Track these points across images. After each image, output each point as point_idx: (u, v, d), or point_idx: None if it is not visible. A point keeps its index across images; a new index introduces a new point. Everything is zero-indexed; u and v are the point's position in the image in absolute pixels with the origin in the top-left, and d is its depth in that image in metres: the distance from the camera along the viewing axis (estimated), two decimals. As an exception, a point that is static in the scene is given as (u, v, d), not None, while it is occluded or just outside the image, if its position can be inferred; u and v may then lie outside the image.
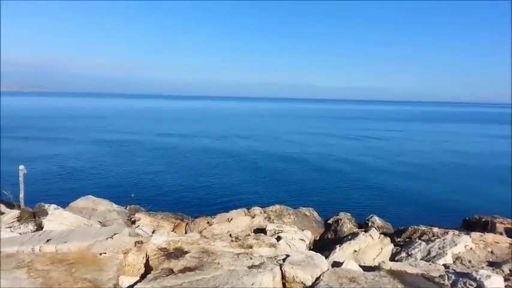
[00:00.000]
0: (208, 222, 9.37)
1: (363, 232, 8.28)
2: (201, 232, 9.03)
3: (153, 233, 9.50)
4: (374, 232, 8.34)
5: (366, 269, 7.04)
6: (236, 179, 21.71)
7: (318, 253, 6.90)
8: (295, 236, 8.31)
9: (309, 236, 8.68)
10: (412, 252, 8.06)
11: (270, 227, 8.59)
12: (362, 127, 62.79)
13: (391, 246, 8.44)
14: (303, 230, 8.86)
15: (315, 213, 10.81)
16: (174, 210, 12.47)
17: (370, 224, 10.66)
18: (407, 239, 9.44)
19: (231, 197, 17.39)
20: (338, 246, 7.78)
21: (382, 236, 8.54)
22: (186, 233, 9.34)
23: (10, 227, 8.30)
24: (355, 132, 51.98)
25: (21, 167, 12.17)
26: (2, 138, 37.66)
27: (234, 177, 22.36)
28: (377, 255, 8.10)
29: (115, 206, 10.36)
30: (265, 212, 10.08)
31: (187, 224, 9.53)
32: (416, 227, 9.69)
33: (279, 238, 7.82)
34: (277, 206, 10.34)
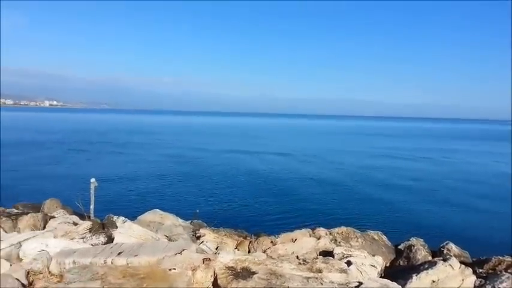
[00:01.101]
0: (272, 242, 9.14)
1: (442, 261, 7.60)
2: (265, 251, 8.81)
3: (216, 249, 9.46)
4: (454, 262, 7.64)
5: (447, 302, 6.43)
6: (298, 197, 21.27)
7: (393, 282, 6.41)
8: (365, 261, 7.82)
9: (380, 262, 8.14)
10: (500, 286, 7.26)
11: (337, 251, 8.18)
12: (429, 147, 59.57)
13: (473, 277, 7.68)
14: (373, 256, 8.33)
15: (384, 237, 10.17)
16: (235, 227, 12.39)
17: (445, 252, 9.83)
18: (490, 271, 8.56)
19: (293, 215, 16.99)
20: (414, 275, 7.19)
21: (462, 266, 7.80)
22: (249, 251, 9.18)
23: (83, 238, 8.64)
24: (421, 153, 49.34)
25: (92, 180, 12.82)
26: (73, 151, 40.43)
27: (295, 195, 21.94)
28: (458, 287, 7.40)
29: (180, 220, 10.49)
30: (330, 234, 9.66)
31: (250, 242, 9.37)
32: (501, 257, 8.78)
33: (348, 263, 7.39)
34: (344, 228, 9.88)
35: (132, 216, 13.15)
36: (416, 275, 7.22)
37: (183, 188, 22.87)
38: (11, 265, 6.54)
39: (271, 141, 62.34)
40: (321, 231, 9.67)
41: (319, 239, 9.26)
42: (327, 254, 8.45)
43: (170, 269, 6.22)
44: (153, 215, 10.36)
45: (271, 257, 7.19)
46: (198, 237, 9.67)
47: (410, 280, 7.12)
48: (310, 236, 9.42)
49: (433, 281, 7.24)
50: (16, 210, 10.45)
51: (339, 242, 9.31)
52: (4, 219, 8.98)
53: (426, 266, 7.64)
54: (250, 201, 19.83)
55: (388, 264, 9.10)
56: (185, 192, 21.69)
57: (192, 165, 32.87)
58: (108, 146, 47.10)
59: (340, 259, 7.86)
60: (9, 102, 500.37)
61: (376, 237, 9.95)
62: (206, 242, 9.26)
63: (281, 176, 28.57)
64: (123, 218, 12.36)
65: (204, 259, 6.59)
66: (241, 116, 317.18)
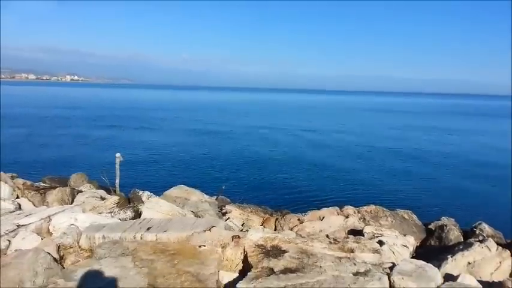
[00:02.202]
0: (299, 220, 9.00)
1: (478, 242, 7.31)
2: (292, 229, 8.69)
3: (242, 225, 9.39)
4: (491, 243, 7.33)
5: (485, 285, 6.18)
6: (324, 174, 20.86)
7: (429, 263, 6.18)
8: (397, 241, 7.60)
9: (411, 242, 7.90)
10: (539, 270, 6.96)
11: (367, 230, 7.97)
12: (457, 124, 57.87)
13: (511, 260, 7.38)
14: (404, 235, 8.10)
15: (414, 216, 9.89)
16: (260, 204, 12.32)
17: (477, 232, 9.51)
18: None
19: (318, 193, 16.67)
20: (449, 256, 6.94)
21: (499, 247, 7.49)
22: (275, 228, 9.08)
23: (111, 212, 8.68)
24: (448, 130, 47.91)
25: (117, 154, 12.86)
26: (98, 127, 40.94)
27: (321, 172, 21.54)
28: (495, 270, 7.12)
29: (206, 196, 10.44)
30: (359, 212, 9.44)
31: (276, 219, 9.26)
32: (539, 240, 8.43)
33: (380, 243, 7.18)
34: (373, 207, 9.63)
35: (157, 190, 13.21)
36: (451, 256, 6.97)
37: (207, 164, 22.81)
38: (42, 239, 6.59)
39: (296, 118, 61.51)
40: (349, 209, 9.46)
41: (347, 217, 9.06)
42: (356, 233, 8.25)
43: (200, 246, 6.15)
44: (179, 191, 10.33)
45: (300, 235, 7.04)
46: (224, 214, 9.61)
47: (445, 261, 6.87)
48: (338, 215, 9.23)
49: (469, 263, 6.98)
50: (43, 184, 10.58)
51: (368, 221, 9.09)
52: (33, 193, 9.08)
53: (461, 247, 7.36)
54: (275, 178, 19.60)
55: (418, 244, 8.86)
56: (209, 168, 21.61)
57: (215, 141, 32.78)
58: (132, 121, 47.46)
59: (371, 238, 7.65)
60: (31, 77, 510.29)
61: (406, 216, 9.69)
62: (232, 218, 9.19)
63: (306, 152, 28.18)
64: (148, 192, 12.42)
65: (233, 236, 6.49)
66: (264, 92, 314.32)
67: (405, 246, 7.61)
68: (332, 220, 8.88)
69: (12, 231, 6.48)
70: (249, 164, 23.19)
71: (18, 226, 6.74)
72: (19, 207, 8.32)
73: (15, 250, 5.90)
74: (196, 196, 10.07)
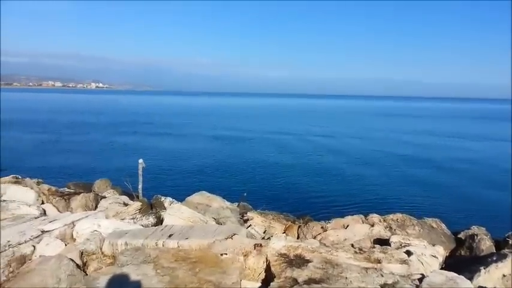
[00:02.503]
0: (322, 227, 8.80)
1: (513, 254, 6.94)
2: (315, 237, 8.49)
3: (264, 233, 9.25)
4: (527, 255, 6.95)
5: (521, 300, 5.85)
6: (346, 181, 20.39)
7: (460, 275, 5.89)
8: (425, 251, 7.30)
9: (441, 252, 7.58)
10: None
11: (394, 239, 7.69)
12: (483, 129, 56.16)
13: (549, 274, 6.97)
14: (433, 245, 7.78)
15: (443, 225, 9.51)
16: (282, 210, 12.16)
17: (511, 242, 9.07)
18: None
19: (341, 200, 16.29)
20: (482, 268, 6.60)
21: (536, 260, 7.09)
22: (298, 236, 8.90)
23: (133, 218, 8.70)
24: (473, 135, 46.52)
25: (140, 160, 12.97)
26: (122, 133, 41.65)
27: (342, 178, 21.07)
28: (531, 284, 6.74)
29: (227, 203, 10.36)
30: (385, 221, 9.16)
31: (299, 227, 9.08)
32: None
33: (408, 253, 6.91)
34: (399, 215, 9.33)
35: (179, 197, 13.23)
36: (484, 268, 6.63)
37: (229, 170, 22.75)
38: (65, 245, 6.63)
39: (313, 123, 61.05)
40: (374, 217, 9.19)
41: (372, 226, 8.80)
42: (382, 242, 7.98)
43: (222, 254, 6.05)
44: (201, 197, 10.28)
45: (324, 244, 6.86)
46: (246, 221, 9.49)
47: (477, 273, 6.54)
48: (362, 223, 8.97)
49: (504, 275, 6.63)
50: (68, 190, 10.73)
51: (394, 230, 8.80)
52: (57, 198, 9.21)
53: (494, 258, 7.00)
54: (296, 184, 19.34)
55: (448, 255, 8.51)
56: (230, 174, 21.55)
57: (236, 146, 32.77)
58: (153, 127, 48.15)
59: (398, 248, 7.37)
60: (58, 84, 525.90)
61: (434, 225, 9.34)
62: (254, 225, 9.07)
63: (327, 158, 27.77)
64: (171, 198, 12.45)
65: (255, 245, 6.36)
66: (284, 97, 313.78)
67: (434, 256, 7.30)
68: (357, 228, 8.64)
69: (36, 237, 6.54)
70: (270, 170, 23.01)
71: (43, 232, 6.79)
72: (44, 212, 8.42)
73: (39, 256, 5.94)
74: (217, 203, 10.00)
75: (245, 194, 11.83)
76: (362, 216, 9.28)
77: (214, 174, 21.41)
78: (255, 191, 17.27)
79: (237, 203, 11.79)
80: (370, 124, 61.63)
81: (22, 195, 9.05)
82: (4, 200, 8.31)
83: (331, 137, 41.26)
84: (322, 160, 27.16)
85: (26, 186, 9.68)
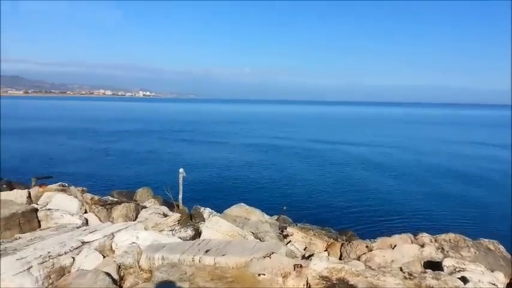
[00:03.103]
0: (367, 247, 8.27)
1: None
2: (359, 257, 7.99)
3: (304, 250, 8.86)
4: None
5: None
6: (394, 196, 19.06)
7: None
8: (483, 278, 6.61)
9: (501, 279, 6.84)
10: None
11: (447, 262, 7.05)
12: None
13: None
14: (492, 271, 7.06)
15: (501, 247, 8.66)
16: (323, 224, 11.69)
17: None
18: None
19: (387, 216, 15.28)
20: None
21: None
22: (341, 255, 8.44)
23: (172, 230, 8.62)
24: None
25: (181, 170, 13.00)
26: (166, 140, 42.61)
27: (391, 193, 19.71)
28: None
29: (266, 216, 10.08)
30: (436, 241, 8.47)
31: (342, 245, 8.60)
32: None
33: (464, 280, 6.29)
34: (452, 235, 8.60)
35: (218, 207, 13.12)
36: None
37: (269, 180, 22.32)
38: (104, 257, 6.61)
39: (363, 132, 59.15)
40: (424, 237, 8.53)
41: (422, 246, 8.16)
42: (433, 265, 7.36)
43: (259, 274, 5.76)
44: (239, 209, 10.07)
45: (370, 267, 6.37)
46: (285, 236, 9.15)
47: (546, 308, 5.81)
48: (411, 243, 8.35)
49: None
50: (111, 198, 10.88)
51: (447, 252, 8.11)
52: (99, 208, 9.33)
53: None
54: (338, 197, 18.55)
55: (508, 282, 7.69)
56: (270, 185, 21.10)
57: (278, 156, 32.29)
58: (196, 135, 48.88)
59: (451, 273, 6.75)
60: (108, 92, 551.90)
61: (491, 247, 8.52)
62: (294, 242, 8.71)
63: (374, 170, 26.40)
64: (210, 209, 12.37)
65: (295, 265, 6.02)
66: (331, 105, 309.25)
67: (493, 284, 6.60)
68: (405, 249, 8.04)
69: (76, 248, 6.57)
70: (312, 181, 22.36)
71: (83, 243, 6.83)
72: (86, 222, 8.54)
73: (78, 269, 5.93)
74: (256, 216, 9.73)
75: (285, 208, 11.46)
76: (411, 235, 8.64)
77: (254, 185, 21.08)
78: (295, 203, 16.77)
79: (276, 216, 11.47)
80: (422, 134, 58.63)
81: (66, 204, 9.25)
82: (49, 209, 8.51)
83: (378, 147, 39.73)
84: (367, 172, 26.05)
85: (71, 195, 9.90)
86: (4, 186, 13.20)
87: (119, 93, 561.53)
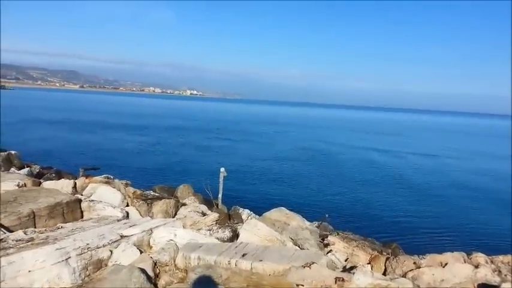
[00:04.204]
0: (415, 263, 7.69)
1: None
2: (405, 274, 7.44)
3: (346, 261, 8.41)
4: None
5: None
6: (445, 210, 17.64)
7: None
8: (548, 309, 5.92)
9: None
10: None
11: (506, 286, 6.39)
12: None
13: None
14: (559, 302, 6.30)
15: None
16: (366, 233, 11.14)
17: None
18: None
19: (437, 231, 14.22)
20: None
21: None
22: (385, 270, 7.91)
23: (209, 230, 8.50)
24: None
25: (222, 169, 12.95)
26: (210, 139, 43.12)
27: (442, 206, 18.23)
28: None
29: (307, 223, 9.72)
30: (492, 263, 7.73)
31: (387, 259, 8.07)
32: None
33: (525, 310, 5.64)
34: (510, 257, 7.83)
35: (257, 209, 12.92)
36: None
37: (311, 185, 21.70)
38: (141, 252, 6.57)
39: (411, 140, 56.67)
40: (479, 257, 7.81)
41: (476, 267, 7.46)
42: (489, 288, 6.70)
43: (298, 285, 5.45)
44: (279, 214, 9.78)
45: (418, 286, 5.88)
46: (326, 245, 8.75)
47: None
48: (464, 262, 7.67)
49: None
50: (153, 193, 10.98)
51: (505, 275, 7.36)
52: (140, 202, 9.40)
53: None
54: (384, 206, 17.63)
55: None
56: (313, 189, 20.48)
57: (321, 160, 31.54)
58: (241, 135, 49.05)
59: (511, 301, 6.09)
60: (157, 90, 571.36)
61: (557, 275, 7.65)
62: (335, 252, 8.29)
63: (425, 181, 24.89)
64: (248, 211, 12.22)
65: (336, 278, 5.65)
66: (370, 110, 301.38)
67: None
68: (457, 269, 7.39)
69: (115, 242, 6.57)
70: (357, 188, 21.49)
71: (122, 237, 6.83)
72: (127, 215, 8.61)
73: (113, 263, 5.91)
74: (296, 221, 9.40)
75: (327, 216, 11.03)
76: (464, 254, 7.94)
77: (295, 189, 20.59)
78: (337, 210, 16.17)
79: (316, 223, 11.07)
80: (480, 145, 54.95)
81: (109, 197, 9.41)
82: (92, 200, 8.66)
83: (429, 156, 37.84)
84: (416, 181, 24.72)
85: (114, 188, 10.07)
86: (53, 175, 13.77)
87: (168, 91, 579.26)
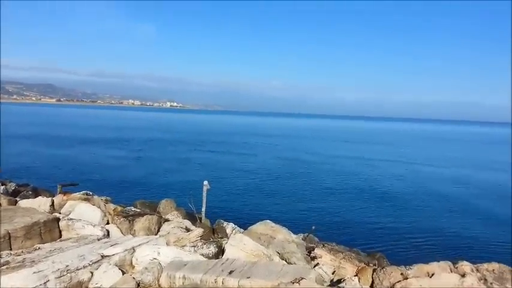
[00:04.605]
0: (402, 274, 7.67)
1: None
2: (393, 285, 7.41)
3: (333, 274, 8.32)
4: None
5: None
6: (431, 219, 17.64)
7: None
8: (535, 318, 5.95)
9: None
10: None
11: (493, 297, 6.41)
12: None
13: None
14: (545, 310, 6.36)
15: (551, 282, 7.90)
16: (352, 244, 11.10)
17: None
18: None
19: (422, 240, 14.16)
20: None
21: None
22: (373, 282, 7.86)
23: (194, 246, 8.29)
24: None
25: (205, 182, 12.72)
26: (191, 151, 42.68)
27: (428, 216, 18.42)
28: None
29: (293, 236, 9.60)
30: (478, 271, 7.78)
31: (374, 270, 8.02)
32: None
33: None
34: (495, 264, 7.89)
35: (242, 222, 12.73)
36: None
37: (296, 196, 21.43)
38: (123, 273, 6.33)
39: (397, 148, 57.22)
40: (465, 266, 7.85)
41: (463, 276, 7.50)
42: (476, 298, 6.72)
43: (287, 302, 5.32)
44: (265, 227, 9.64)
45: (408, 299, 5.83)
46: (313, 258, 8.65)
47: None
48: (451, 271, 7.70)
49: None
50: (134, 209, 10.68)
51: (491, 284, 7.42)
52: (122, 219, 9.11)
53: None
54: (369, 218, 17.48)
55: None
56: (298, 201, 20.21)
57: (305, 171, 31.32)
58: (222, 146, 48.61)
59: (498, 310, 6.10)
60: (137, 102, 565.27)
61: (540, 281, 7.75)
62: (322, 265, 8.20)
63: (409, 191, 25.08)
64: (233, 224, 12.02)
65: (326, 293, 5.56)
66: (357, 120, 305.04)
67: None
68: (444, 278, 7.40)
69: (95, 262, 6.33)
70: (341, 199, 21.39)
71: (103, 257, 6.59)
72: (107, 234, 8.33)
73: (95, 286, 5.66)
74: (282, 234, 9.28)
75: (313, 228, 10.93)
76: (450, 263, 7.97)
77: (280, 200, 20.35)
78: (323, 220, 16.03)
79: (302, 235, 10.97)
80: (468, 153, 55.45)
81: (89, 214, 9.09)
82: (71, 219, 8.35)
83: (414, 164, 38.17)
84: (401, 190, 24.72)
85: (94, 205, 9.75)
86: (30, 193, 13.28)
87: (147, 104, 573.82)
